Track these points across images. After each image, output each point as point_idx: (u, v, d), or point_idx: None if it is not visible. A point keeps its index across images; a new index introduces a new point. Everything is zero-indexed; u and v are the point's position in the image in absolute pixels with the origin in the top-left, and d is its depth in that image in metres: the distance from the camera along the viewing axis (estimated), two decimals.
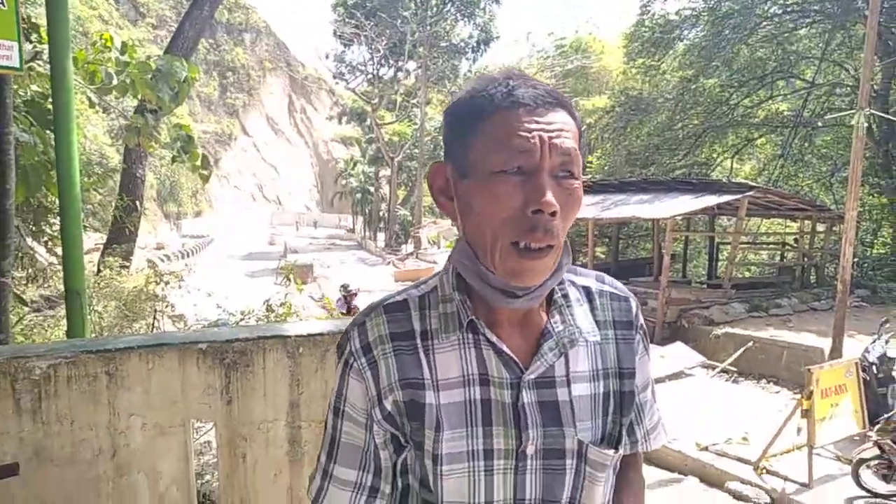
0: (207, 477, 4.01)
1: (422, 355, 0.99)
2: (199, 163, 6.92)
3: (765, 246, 21.35)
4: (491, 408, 0.97)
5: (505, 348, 0.97)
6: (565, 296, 1.05)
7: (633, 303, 1.11)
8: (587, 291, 1.09)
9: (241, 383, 2.51)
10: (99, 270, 8.84)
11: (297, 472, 2.62)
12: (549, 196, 0.89)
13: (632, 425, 1.07)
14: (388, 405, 0.99)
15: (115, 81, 5.70)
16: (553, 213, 0.89)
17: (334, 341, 2.59)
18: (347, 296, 11.53)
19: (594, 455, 1.00)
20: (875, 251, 21.56)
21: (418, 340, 1.01)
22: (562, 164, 0.91)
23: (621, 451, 1.04)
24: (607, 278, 1.13)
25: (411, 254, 33.41)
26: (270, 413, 2.54)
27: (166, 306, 6.53)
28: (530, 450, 0.97)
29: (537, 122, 0.91)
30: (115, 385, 2.45)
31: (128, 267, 10.19)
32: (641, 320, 1.12)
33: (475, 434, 0.97)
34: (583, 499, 1.01)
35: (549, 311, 1.03)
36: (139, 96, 6.07)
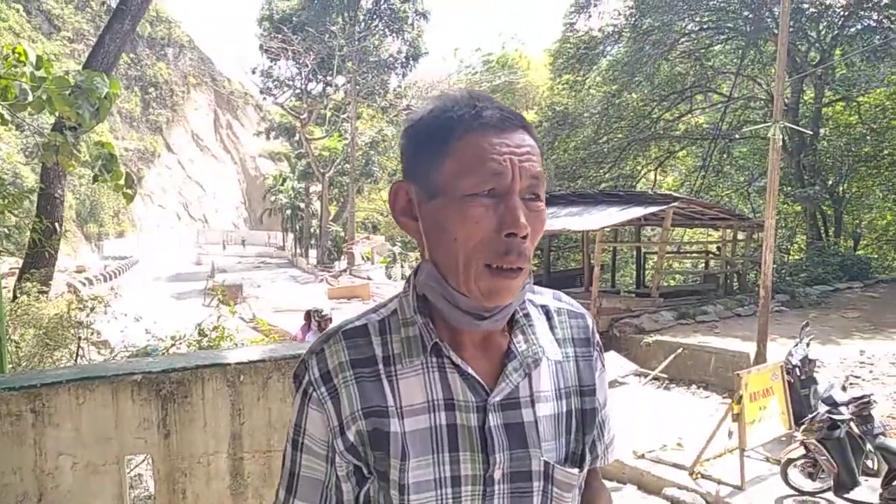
0: None
1: (385, 382, 0.97)
2: (122, 182, 6.65)
3: (689, 255, 22.09)
4: (457, 433, 0.95)
5: (471, 370, 0.96)
6: (526, 315, 1.04)
7: (589, 320, 1.12)
8: (545, 310, 1.08)
9: (178, 415, 2.40)
10: (15, 297, 8.37)
11: None
12: (523, 219, 0.90)
13: (594, 442, 1.07)
14: (351, 436, 0.96)
15: (30, 98, 5.43)
16: (525, 237, 0.90)
17: (276, 368, 2.52)
18: (322, 321, 9.82)
19: (561, 476, 0.99)
20: (791, 257, 22.63)
21: (380, 366, 0.98)
22: (529, 186, 0.92)
23: (585, 471, 1.04)
24: (563, 296, 1.13)
25: (345, 270, 33.05)
26: (211, 445, 2.44)
27: (91, 333, 6.22)
28: (497, 474, 0.95)
29: (507, 146, 0.91)
30: (42, 423, 2.30)
31: (47, 292, 9.70)
32: (597, 336, 1.12)
33: (442, 461, 0.94)
34: None
35: (511, 331, 1.02)
36: (56, 113, 5.80)
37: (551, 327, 1.07)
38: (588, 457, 1.04)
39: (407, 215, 0.99)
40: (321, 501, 1.01)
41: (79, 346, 6.37)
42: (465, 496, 0.95)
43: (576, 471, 1.01)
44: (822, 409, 5.87)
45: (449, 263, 0.94)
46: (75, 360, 6.19)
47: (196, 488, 2.46)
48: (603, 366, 1.11)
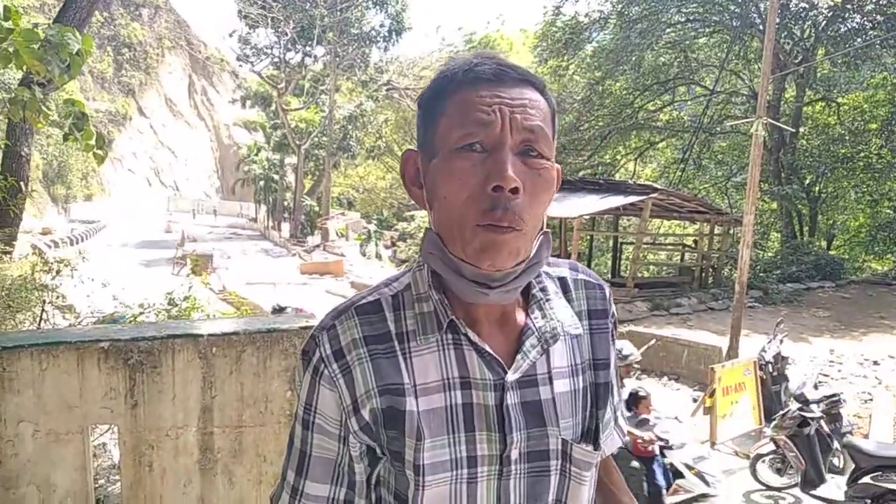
0: (101, 481, 3.70)
1: (400, 359, 0.92)
2: (93, 142, 6.43)
3: (665, 246, 22.23)
4: (473, 412, 0.91)
5: (487, 348, 0.92)
6: (543, 289, 0.99)
7: (607, 290, 1.07)
8: (562, 282, 1.04)
9: (147, 386, 2.27)
10: None
11: (209, 481, 2.40)
12: (510, 171, 0.83)
13: (607, 416, 1.03)
14: (366, 414, 0.91)
15: None
16: (514, 191, 0.83)
17: (250, 341, 2.40)
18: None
19: (579, 454, 0.96)
20: (765, 254, 22.91)
21: (395, 343, 0.93)
22: (525, 140, 0.86)
23: (601, 449, 1.00)
24: (580, 266, 1.09)
25: (318, 245, 32.71)
26: (180, 418, 2.32)
27: (57, 297, 6.02)
28: (514, 454, 0.92)
29: (499, 97, 0.86)
30: (2, 388, 2.17)
31: (10, 252, 9.41)
32: (613, 307, 1.08)
33: (458, 441, 0.91)
34: (568, 500, 0.97)
35: (527, 306, 0.97)
36: (25, 68, 5.54)
37: (568, 300, 1.02)
38: (602, 433, 1.00)
39: (415, 184, 0.96)
40: (333, 482, 0.96)
41: (43, 310, 6.16)
42: (481, 476, 0.91)
43: (592, 448, 0.97)
44: (794, 406, 5.90)
45: (444, 227, 0.90)
46: (39, 324, 5.99)
47: (163, 462, 2.34)
48: (614, 338, 1.07)
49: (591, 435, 0.98)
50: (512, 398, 0.91)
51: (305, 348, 0.97)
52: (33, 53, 5.29)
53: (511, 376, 0.92)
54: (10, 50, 5.23)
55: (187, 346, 2.36)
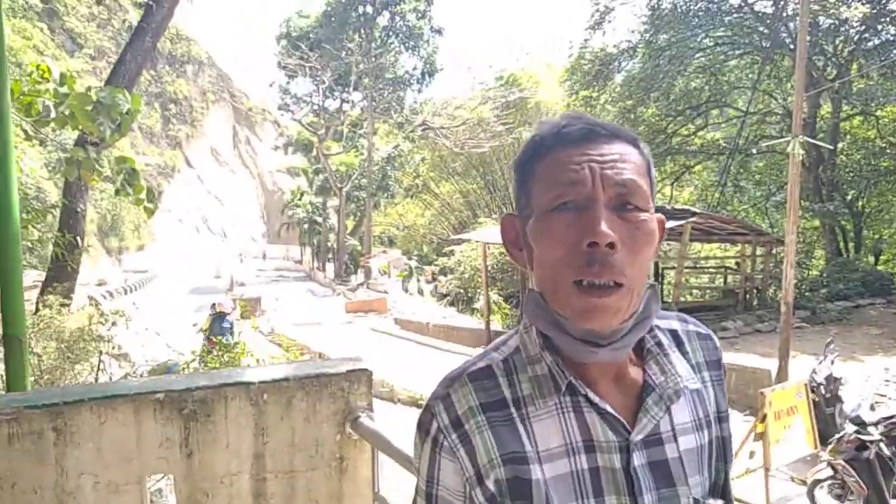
0: None
1: (519, 426, 0.91)
2: (143, 196, 6.72)
3: (707, 270, 21.88)
4: (601, 476, 0.89)
5: (609, 408, 0.90)
6: (658, 343, 0.97)
7: (716, 339, 1.06)
8: (674, 335, 1.02)
9: (201, 435, 2.37)
10: (37, 310, 8.45)
11: None
12: (604, 227, 0.83)
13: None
14: (491, 485, 0.89)
15: (53, 114, 5.50)
16: (611, 245, 0.83)
17: (300, 387, 2.48)
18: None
19: None
20: (810, 273, 22.35)
21: (512, 409, 0.92)
22: (619, 195, 0.86)
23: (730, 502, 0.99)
24: (688, 317, 1.07)
25: (362, 284, 33.06)
26: (234, 465, 2.41)
27: (112, 347, 6.25)
28: None
29: (588, 154, 0.87)
30: (63, 442, 2.28)
31: (68, 305, 9.78)
32: (723, 355, 1.07)
33: None
34: None
35: (643, 362, 0.96)
36: (79, 128, 5.86)
37: (683, 353, 1.00)
38: (729, 489, 0.99)
39: (515, 246, 0.97)
40: None
41: (100, 360, 6.40)
42: None
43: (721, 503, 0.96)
44: (850, 428, 5.76)
45: (545, 286, 0.90)
46: (96, 374, 6.22)
47: None
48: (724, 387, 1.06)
49: (717, 490, 0.97)
50: (639, 459, 0.89)
51: (421, 419, 0.96)
52: (87, 115, 5.61)
53: (636, 437, 0.90)
54: (67, 113, 5.56)
55: (239, 394, 2.43)
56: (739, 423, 8.83)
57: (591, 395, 0.90)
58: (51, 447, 2.27)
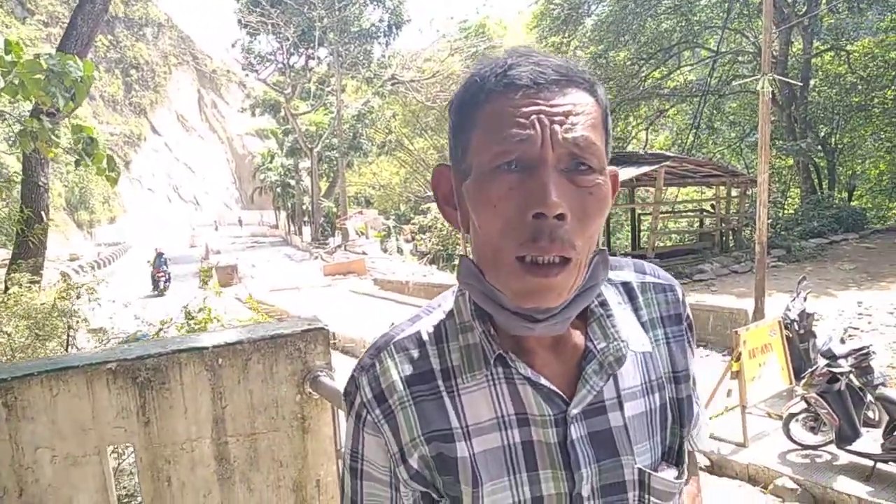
0: (140, 499, 3.77)
1: (446, 400, 0.85)
2: (104, 165, 6.52)
3: (684, 214, 22.03)
4: (535, 450, 0.82)
5: (544, 381, 0.82)
6: (603, 303, 0.87)
7: (679, 291, 0.96)
8: (628, 288, 0.93)
9: (157, 402, 2.31)
10: (6, 288, 8.27)
11: (228, 490, 2.44)
12: (553, 195, 0.72)
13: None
14: (415, 463, 0.84)
15: (0, 83, 5.28)
16: (560, 217, 0.73)
17: (255, 349, 2.43)
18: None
19: (658, 484, 0.85)
20: (786, 212, 22.59)
21: (440, 381, 0.85)
22: (572, 154, 0.74)
23: (685, 472, 0.90)
24: (647, 266, 0.97)
25: (339, 246, 32.88)
26: (194, 431, 2.36)
27: (78, 321, 6.13)
28: (586, 490, 0.82)
29: (537, 104, 0.74)
30: (16, 417, 2.22)
31: (38, 281, 9.59)
32: (688, 309, 0.96)
33: (520, 482, 0.82)
34: None
35: (586, 325, 0.86)
36: (32, 99, 5.63)
37: (635, 308, 0.91)
38: (686, 455, 0.91)
39: (449, 203, 0.87)
40: None
41: (69, 336, 6.28)
42: None
43: (674, 473, 0.87)
44: (822, 362, 5.83)
45: (482, 257, 0.80)
46: (66, 350, 6.10)
47: (181, 475, 2.38)
48: (692, 344, 0.95)
49: (672, 455, 0.89)
50: (577, 432, 0.82)
51: (347, 389, 0.91)
52: (37, 84, 5.39)
53: (574, 409, 0.82)
54: (16, 82, 5.33)
55: (193, 360, 2.39)
56: (718, 364, 8.97)
57: (523, 368, 0.83)
58: (3, 423, 2.21)
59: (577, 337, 0.86)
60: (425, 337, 0.89)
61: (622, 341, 0.85)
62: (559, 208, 0.72)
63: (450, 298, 0.92)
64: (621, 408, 0.85)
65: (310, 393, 2.43)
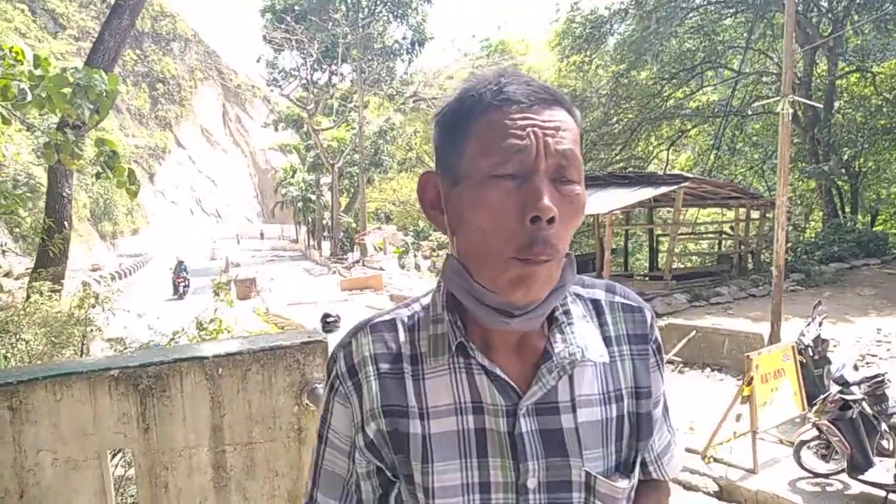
0: None
1: (408, 381, 0.92)
2: (125, 178, 6.63)
3: (703, 235, 21.84)
4: (486, 438, 0.89)
5: (499, 372, 0.89)
6: (566, 312, 0.94)
7: (648, 314, 1.02)
8: (596, 305, 0.99)
9: (157, 409, 2.36)
10: (28, 297, 8.41)
11: (224, 498, 2.47)
12: (547, 200, 0.80)
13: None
14: (371, 433, 0.92)
15: (29, 97, 5.40)
16: (551, 220, 0.80)
17: (255, 360, 2.47)
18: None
19: (604, 488, 0.90)
20: (807, 235, 22.29)
21: (405, 364, 0.93)
22: (558, 166, 0.82)
23: (634, 481, 0.95)
24: (618, 287, 1.03)
25: (357, 261, 33.06)
26: (192, 438, 2.40)
27: (91, 330, 6.23)
28: (532, 483, 0.88)
29: (531, 119, 0.82)
30: (20, 420, 2.27)
31: (59, 291, 9.74)
32: (657, 333, 1.02)
33: (469, 466, 0.89)
34: None
35: (549, 331, 0.93)
36: (58, 112, 5.76)
37: (601, 324, 0.97)
38: (637, 467, 0.96)
39: (436, 208, 0.93)
40: (341, 497, 0.97)
41: (83, 344, 6.38)
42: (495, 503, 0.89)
43: (623, 483, 0.92)
44: (834, 389, 5.75)
45: (471, 257, 0.87)
46: (81, 357, 6.19)
47: (178, 482, 2.41)
48: (659, 364, 1.00)
49: (627, 467, 0.94)
50: (527, 425, 0.88)
51: (327, 365, 0.99)
52: (63, 98, 5.52)
53: (524, 403, 0.88)
54: (43, 95, 5.46)
55: (194, 369, 2.43)
56: (733, 388, 8.86)
57: (480, 357, 0.89)
58: (7, 426, 2.26)
59: (539, 341, 0.92)
60: (399, 325, 0.97)
61: (579, 347, 0.91)
62: (552, 212, 0.80)
63: (429, 296, 0.99)
64: (574, 411, 0.90)
65: (307, 404, 2.46)
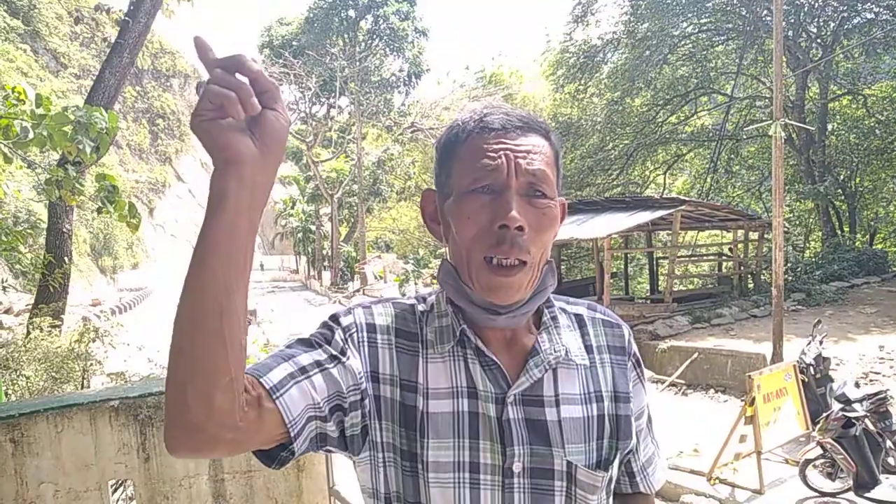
0: None
1: (420, 360, 1.00)
2: (125, 212, 6.68)
3: (703, 257, 21.87)
4: (478, 421, 0.97)
5: (493, 356, 0.99)
6: (554, 318, 1.07)
7: (626, 330, 1.14)
8: (578, 318, 1.11)
9: (158, 439, 2.37)
10: (28, 333, 8.41)
11: None
12: (514, 212, 0.93)
13: (628, 458, 1.09)
14: (386, 391, 0.97)
15: (31, 135, 5.47)
16: (520, 228, 0.93)
17: None
18: None
19: (584, 477, 0.99)
20: (807, 255, 22.31)
21: (419, 345, 1.02)
22: (530, 183, 0.96)
23: (612, 473, 1.04)
24: (599, 307, 1.15)
25: (358, 290, 33.06)
26: (192, 468, 2.41)
27: (91, 364, 6.23)
28: (517, 467, 0.96)
29: (504, 144, 0.96)
30: (21, 452, 2.28)
31: (59, 326, 9.74)
32: (635, 348, 1.14)
33: (462, 445, 0.97)
34: None
35: (538, 333, 1.05)
36: (59, 149, 5.83)
37: (583, 334, 1.09)
38: (622, 470, 1.09)
39: (434, 220, 1.07)
40: (288, 378, 0.90)
41: (84, 379, 6.38)
42: (483, 484, 0.96)
43: (601, 473, 1.01)
44: (836, 406, 5.73)
45: (457, 259, 1.00)
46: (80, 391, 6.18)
47: None
48: (640, 378, 1.12)
49: (607, 465, 1.02)
50: (514, 413, 0.97)
51: (336, 312, 1.03)
52: (64, 135, 5.58)
53: (512, 391, 0.98)
54: (45, 134, 5.53)
55: None
56: (737, 409, 8.82)
57: (477, 341, 0.99)
58: (9, 458, 2.27)
59: (529, 340, 1.04)
60: (414, 312, 1.06)
61: (563, 346, 1.03)
62: (518, 222, 0.93)
63: (434, 295, 1.10)
64: (557, 406, 1.00)
65: None
